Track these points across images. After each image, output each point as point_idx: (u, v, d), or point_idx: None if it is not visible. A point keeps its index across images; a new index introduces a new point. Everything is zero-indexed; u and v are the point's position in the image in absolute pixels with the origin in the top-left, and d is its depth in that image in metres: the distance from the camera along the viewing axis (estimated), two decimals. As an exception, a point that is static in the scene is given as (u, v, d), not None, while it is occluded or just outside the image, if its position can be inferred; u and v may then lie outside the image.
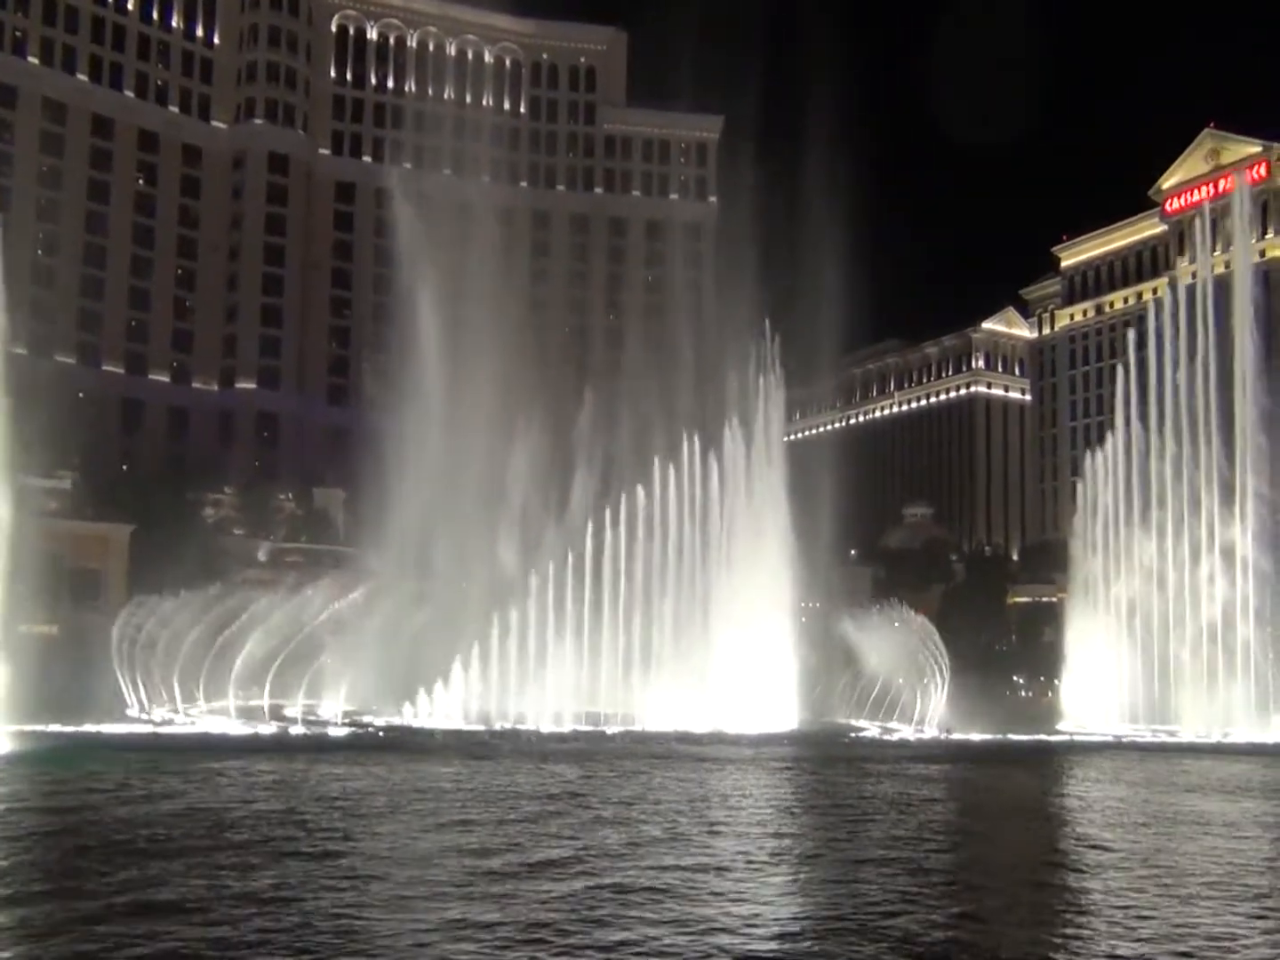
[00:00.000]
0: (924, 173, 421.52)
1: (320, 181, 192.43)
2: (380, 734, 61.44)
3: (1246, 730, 73.55)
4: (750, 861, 25.54)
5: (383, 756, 49.09)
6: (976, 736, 70.53)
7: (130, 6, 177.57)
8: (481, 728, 65.68)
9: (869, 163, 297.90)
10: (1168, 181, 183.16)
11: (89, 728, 56.88)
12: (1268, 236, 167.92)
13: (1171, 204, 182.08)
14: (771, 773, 47.59)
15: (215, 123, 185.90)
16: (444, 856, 25.50)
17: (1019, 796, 43.86)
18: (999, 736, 70.93)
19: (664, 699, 72.17)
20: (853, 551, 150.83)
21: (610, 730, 67.08)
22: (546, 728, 67.07)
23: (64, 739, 52.37)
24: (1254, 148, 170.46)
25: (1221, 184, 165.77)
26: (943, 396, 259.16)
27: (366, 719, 68.40)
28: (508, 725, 67.49)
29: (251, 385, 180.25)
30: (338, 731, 62.03)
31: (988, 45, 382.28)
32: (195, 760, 45.04)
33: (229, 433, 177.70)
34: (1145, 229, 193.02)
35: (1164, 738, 72.95)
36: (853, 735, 71.45)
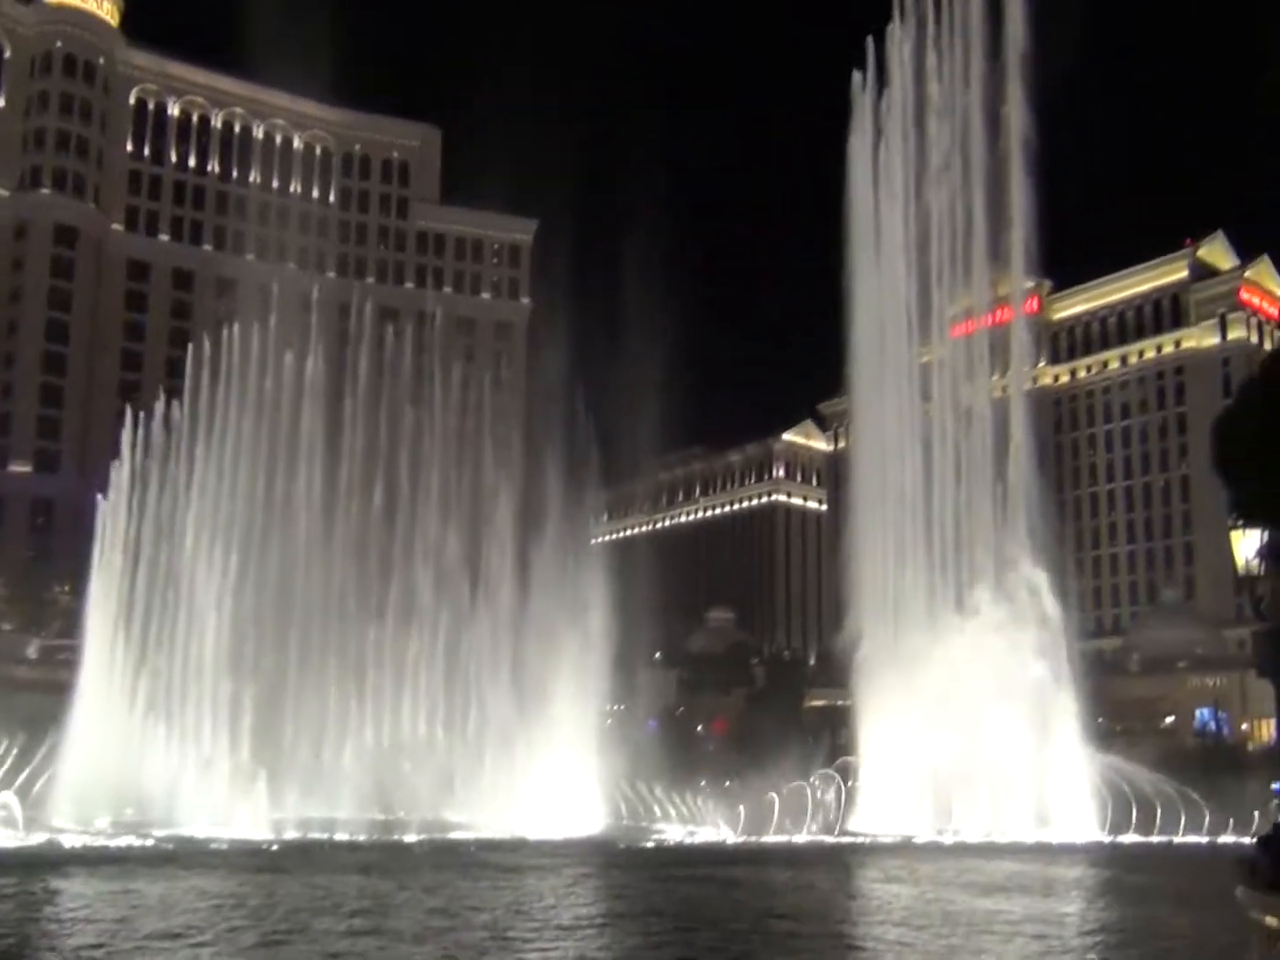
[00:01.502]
0: (735, 281, 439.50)
1: (112, 258, 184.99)
2: (159, 844, 57.41)
3: (1023, 830, 76.95)
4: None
5: (162, 870, 45.86)
6: (773, 839, 71.54)
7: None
8: (271, 836, 62.27)
9: (683, 269, 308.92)
10: (953, 310, 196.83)
11: None
12: (1040, 365, 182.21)
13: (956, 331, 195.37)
14: (574, 881, 46.82)
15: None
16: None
17: (817, 898, 44.50)
18: (796, 839, 72.08)
19: (468, 803, 70.38)
20: (658, 654, 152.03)
21: (409, 839, 64.72)
22: (341, 836, 64.16)
23: None
24: (1028, 282, 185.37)
25: (999, 314, 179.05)
26: (745, 503, 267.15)
27: (144, 828, 63.87)
28: (298, 834, 64.22)
29: (27, 469, 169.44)
30: (112, 842, 57.64)
31: (793, 156, 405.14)
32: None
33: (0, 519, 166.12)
34: (929, 352, 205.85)
35: (949, 838, 75.54)
36: (656, 839, 71.20)
